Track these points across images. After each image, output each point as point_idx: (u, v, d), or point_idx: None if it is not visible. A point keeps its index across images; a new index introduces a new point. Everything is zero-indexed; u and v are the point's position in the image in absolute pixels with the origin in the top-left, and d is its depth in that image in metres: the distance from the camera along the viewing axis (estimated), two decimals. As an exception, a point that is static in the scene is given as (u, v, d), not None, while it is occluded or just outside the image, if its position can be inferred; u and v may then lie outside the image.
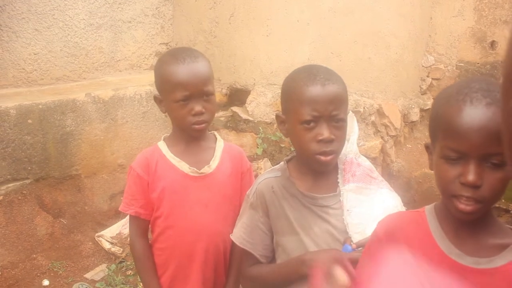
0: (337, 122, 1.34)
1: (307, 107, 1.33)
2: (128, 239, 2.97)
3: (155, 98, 1.69)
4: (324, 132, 1.32)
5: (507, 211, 3.25)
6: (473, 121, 0.98)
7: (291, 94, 1.39)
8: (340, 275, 1.22)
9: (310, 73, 1.38)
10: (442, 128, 1.04)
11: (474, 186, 0.99)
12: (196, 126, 1.61)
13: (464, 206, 1.01)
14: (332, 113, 1.33)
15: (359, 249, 1.31)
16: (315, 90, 1.33)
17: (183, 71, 1.58)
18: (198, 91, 1.59)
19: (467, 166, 1.00)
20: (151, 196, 1.65)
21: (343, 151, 1.45)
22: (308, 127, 1.34)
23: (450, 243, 1.08)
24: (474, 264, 1.05)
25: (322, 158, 1.34)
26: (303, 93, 1.34)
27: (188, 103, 1.58)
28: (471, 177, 0.99)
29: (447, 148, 1.02)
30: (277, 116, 1.46)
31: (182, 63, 1.58)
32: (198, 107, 1.58)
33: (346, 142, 1.47)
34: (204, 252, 1.67)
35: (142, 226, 1.71)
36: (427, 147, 1.14)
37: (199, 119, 1.60)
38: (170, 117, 1.68)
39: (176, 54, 1.63)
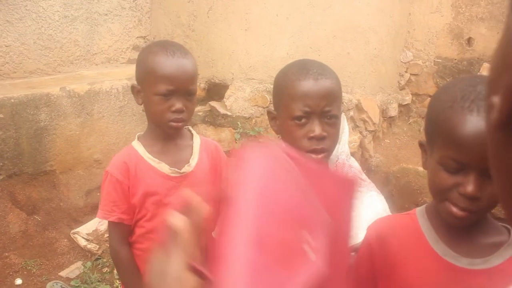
0: (329, 119, 1.29)
1: (298, 102, 1.28)
2: (105, 236, 2.93)
3: (133, 88, 1.61)
4: (316, 128, 1.27)
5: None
6: (479, 133, 0.91)
7: (283, 89, 1.35)
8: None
9: (302, 67, 1.33)
10: (443, 135, 0.99)
11: (473, 198, 0.96)
12: (174, 124, 1.55)
13: (457, 210, 0.98)
14: (324, 109, 1.28)
15: (352, 254, 1.29)
16: (307, 84, 1.28)
17: (171, 64, 1.52)
18: (183, 87, 1.53)
19: (467, 177, 0.96)
20: (131, 200, 1.59)
21: (335, 152, 1.41)
22: (299, 123, 1.29)
23: (444, 245, 1.05)
24: (469, 265, 1.02)
25: (314, 156, 1.29)
26: (294, 88, 1.29)
27: (170, 99, 1.52)
28: (470, 188, 0.95)
29: (448, 157, 0.97)
30: (268, 112, 1.41)
31: (171, 56, 1.53)
32: (179, 104, 1.52)
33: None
34: None
35: (125, 231, 1.64)
36: (421, 145, 1.10)
37: (178, 116, 1.54)
38: (147, 110, 1.61)
39: (165, 46, 1.57)
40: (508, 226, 1.08)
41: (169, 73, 1.52)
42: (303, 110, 1.28)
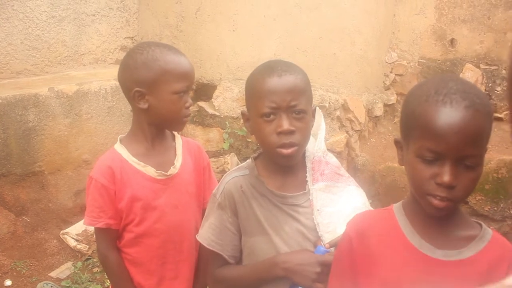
0: (297, 114, 1.32)
1: (265, 99, 1.31)
2: (94, 236, 2.94)
3: (136, 93, 1.54)
4: (284, 123, 1.30)
5: (465, 202, 3.38)
6: (453, 123, 0.99)
7: (251, 89, 1.39)
8: None
9: (267, 66, 1.37)
10: (419, 127, 1.04)
11: (449, 187, 1.01)
12: (185, 119, 1.59)
13: (438, 202, 1.03)
14: (290, 103, 1.31)
15: (332, 249, 1.31)
16: (272, 81, 1.31)
17: (183, 61, 1.57)
18: (192, 84, 1.61)
19: (443, 167, 1.01)
20: (118, 205, 1.58)
21: (311, 149, 1.44)
22: (268, 120, 1.32)
23: (420, 237, 1.10)
24: (444, 256, 1.08)
25: (283, 151, 1.32)
26: (261, 86, 1.33)
27: (183, 96, 1.55)
28: (447, 178, 1.00)
29: (424, 148, 1.03)
30: (242, 114, 1.45)
31: (178, 54, 1.58)
32: (190, 100, 1.58)
33: (313, 139, 1.46)
34: (177, 252, 1.65)
35: (113, 236, 1.63)
36: (397, 142, 1.15)
37: (189, 112, 1.60)
38: (159, 110, 1.55)
39: (165, 46, 1.60)
40: (480, 222, 1.14)
41: (185, 70, 1.56)
42: (269, 106, 1.31)
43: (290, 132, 1.31)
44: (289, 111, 1.32)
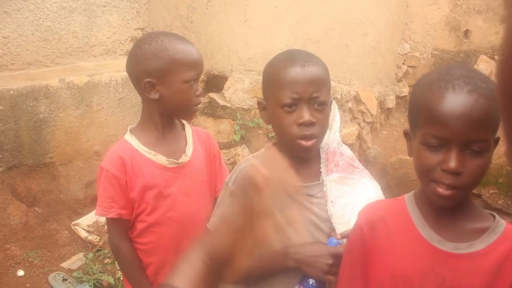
0: (318, 105, 1.30)
1: (286, 89, 1.29)
2: (106, 227, 2.95)
3: (147, 83, 1.52)
4: (305, 114, 1.28)
5: (478, 196, 3.34)
6: (455, 108, 0.97)
7: (271, 78, 1.36)
8: None
9: (289, 56, 1.35)
10: (423, 114, 1.03)
11: (456, 173, 0.99)
12: (196, 107, 1.59)
13: (442, 190, 1.01)
14: (312, 95, 1.29)
15: (344, 240, 1.29)
16: (294, 71, 1.29)
17: (193, 50, 1.57)
18: (201, 73, 1.60)
19: (449, 153, 0.99)
20: (130, 195, 1.58)
21: (326, 140, 1.43)
22: (289, 110, 1.30)
23: (430, 229, 1.09)
24: (454, 249, 1.06)
25: (303, 142, 1.30)
26: (282, 75, 1.31)
27: (193, 84, 1.55)
28: (453, 164, 0.98)
29: (429, 135, 1.02)
30: (258, 103, 1.43)
31: (188, 43, 1.57)
32: (200, 88, 1.58)
33: (328, 130, 1.44)
34: (191, 241, 1.66)
35: (124, 226, 1.63)
36: (406, 134, 1.14)
37: (200, 100, 1.60)
38: (171, 101, 1.54)
39: (179, 37, 1.60)
40: (494, 213, 1.12)
41: (194, 59, 1.55)
42: (291, 97, 1.29)
43: (311, 124, 1.29)
44: (311, 102, 1.30)
